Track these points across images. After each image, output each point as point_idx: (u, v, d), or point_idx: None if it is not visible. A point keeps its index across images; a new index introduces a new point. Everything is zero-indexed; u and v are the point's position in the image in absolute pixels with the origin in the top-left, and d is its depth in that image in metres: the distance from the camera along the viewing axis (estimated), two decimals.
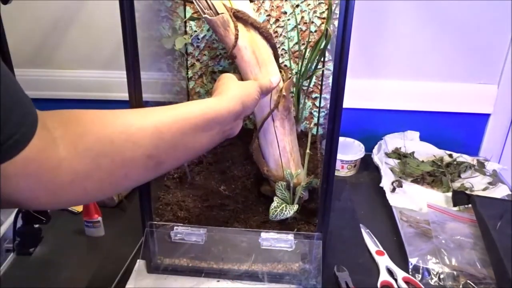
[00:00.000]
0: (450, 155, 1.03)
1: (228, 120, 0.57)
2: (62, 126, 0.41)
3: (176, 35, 0.75)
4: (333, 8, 0.79)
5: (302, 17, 0.87)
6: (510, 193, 0.88)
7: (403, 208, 0.86)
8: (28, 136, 0.36)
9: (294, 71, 0.88)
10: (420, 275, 0.71)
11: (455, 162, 0.99)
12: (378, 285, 0.70)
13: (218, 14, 0.64)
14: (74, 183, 0.41)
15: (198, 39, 0.89)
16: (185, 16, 0.86)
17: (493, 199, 0.84)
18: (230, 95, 0.58)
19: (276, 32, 0.88)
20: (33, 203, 0.40)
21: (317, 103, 0.94)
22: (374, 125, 1.11)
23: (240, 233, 0.67)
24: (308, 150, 0.70)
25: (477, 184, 0.93)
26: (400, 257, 0.75)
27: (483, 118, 1.09)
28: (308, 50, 0.83)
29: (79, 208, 0.86)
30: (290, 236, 0.65)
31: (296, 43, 0.88)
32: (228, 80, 0.63)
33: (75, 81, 1.08)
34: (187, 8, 0.86)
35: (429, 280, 0.70)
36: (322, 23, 0.87)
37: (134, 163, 0.46)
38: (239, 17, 0.66)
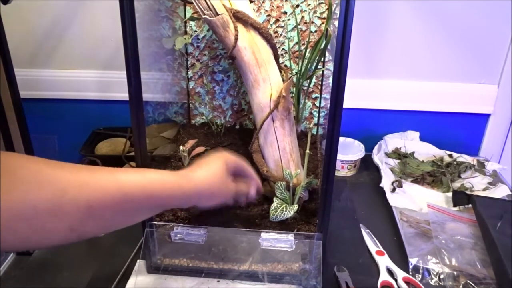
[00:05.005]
0: (450, 155, 1.03)
1: (177, 204, 0.54)
2: None
3: (176, 35, 0.75)
4: (333, 8, 0.79)
5: (302, 17, 0.87)
6: (510, 193, 0.88)
7: (403, 208, 0.86)
8: None
9: (294, 71, 0.88)
10: (420, 275, 0.71)
11: (455, 162, 0.99)
12: (378, 285, 0.70)
13: (217, 14, 0.64)
14: None
15: (198, 39, 0.89)
16: (185, 16, 0.86)
17: (493, 199, 0.84)
18: (196, 179, 0.54)
19: (276, 32, 0.88)
20: None
21: (317, 103, 0.94)
22: (374, 125, 1.11)
23: (240, 233, 0.67)
24: (308, 150, 0.70)
25: (477, 184, 0.93)
26: (400, 257, 0.75)
27: (483, 118, 1.09)
28: (308, 50, 0.83)
29: None
30: (290, 236, 0.65)
31: (296, 43, 0.88)
32: (209, 159, 0.59)
33: (75, 81, 1.08)
34: (187, 8, 0.86)
35: (429, 280, 0.70)
36: (322, 23, 0.87)
37: (52, 233, 0.43)
38: (239, 17, 0.66)
